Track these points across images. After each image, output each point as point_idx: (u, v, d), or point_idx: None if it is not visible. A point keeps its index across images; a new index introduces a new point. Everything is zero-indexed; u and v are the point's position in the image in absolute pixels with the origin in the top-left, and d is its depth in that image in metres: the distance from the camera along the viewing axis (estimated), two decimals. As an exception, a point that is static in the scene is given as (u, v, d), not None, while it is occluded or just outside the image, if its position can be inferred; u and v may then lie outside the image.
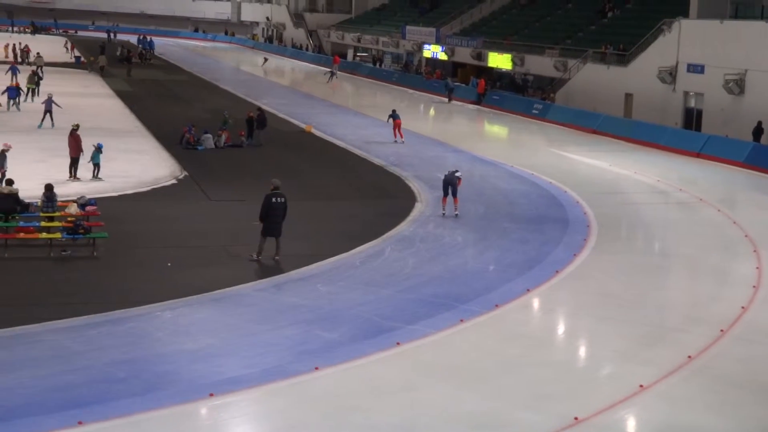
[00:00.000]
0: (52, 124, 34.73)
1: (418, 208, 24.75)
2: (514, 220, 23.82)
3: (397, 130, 36.68)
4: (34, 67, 50.12)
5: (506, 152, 35.87)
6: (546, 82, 51.21)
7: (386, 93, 59.60)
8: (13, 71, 46.54)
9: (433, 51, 63.12)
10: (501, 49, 55.56)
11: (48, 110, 35.24)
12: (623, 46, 45.23)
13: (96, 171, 26.12)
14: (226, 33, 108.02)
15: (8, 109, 38.83)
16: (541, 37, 54.70)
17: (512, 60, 53.35)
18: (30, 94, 42.32)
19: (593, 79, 45.95)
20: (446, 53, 61.22)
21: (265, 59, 78.01)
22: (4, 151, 24.19)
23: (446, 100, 54.19)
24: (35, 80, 43.87)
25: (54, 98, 35.76)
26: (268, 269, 18.47)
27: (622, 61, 44.63)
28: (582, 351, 15.28)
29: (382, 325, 15.25)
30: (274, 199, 19.06)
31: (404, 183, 28.32)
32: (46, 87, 43.57)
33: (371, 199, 26.26)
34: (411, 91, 59.46)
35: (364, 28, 77.38)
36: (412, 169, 30.30)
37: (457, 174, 24.19)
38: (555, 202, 26.42)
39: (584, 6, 56.79)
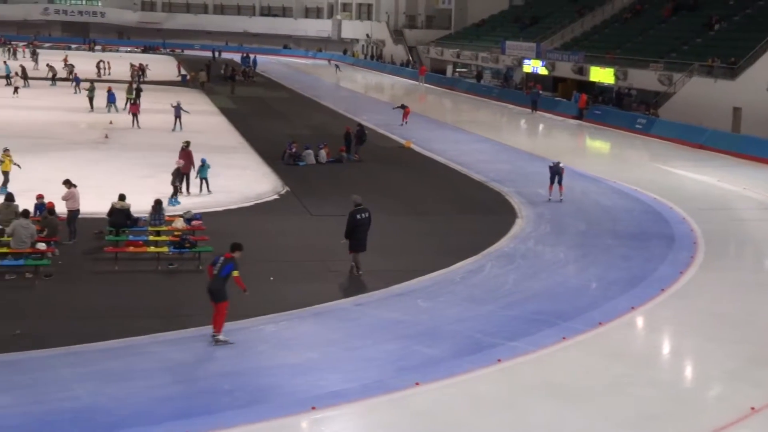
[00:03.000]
0: (181, 128, 40.20)
1: (518, 224, 24.54)
2: (617, 237, 23.39)
3: (404, 117, 46.52)
4: (132, 79, 56.13)
5: (608, 167, 35.29)
6: (650, 96, 50.20)
7: (486, 108, 59.39)
8: (76, 81, 53.62)
9: (533, 66, 62.54)
10: (603, 63, 54.73)
11: (177, 116, 40.82)
12: (733, 59, 43.97)
13: (206, 185, 26.76)
14: (319, 50, 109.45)
15: (108, 111, 44.65)
16: (644, 50, 53.64)
17: (615, 74, 52.51)
18: (127, 102, 45.61)
19: (699, 92, 44.80)
20: (547, 68, 60.63)
21: (337, 68, 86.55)
22: (178, 168, 25.57)
23: (530, 111, 55.12)
24: (133, 91, 47.30)
25: (182, 105, 41.43)
26: (368, 284, 18.56)
27: (730, 75, 43.42)
28: (689, 371, 14.89)
29: (483, 342, 15.17)
30: (358, 216, 19.19)
31: (505, 199, 28.11)
32: (155, 104, 45.21)
33: (471, 214, 26.13)
34: (511, 106, 59.07)
35: (464, 44, 77.27)
36: (513, 185, 30.07)
37: (561, 165, 27.80)
38: (660, 219, 25.84)
39: (689, 19, 55.52)
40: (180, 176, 25.88)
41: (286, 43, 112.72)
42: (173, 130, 40.30)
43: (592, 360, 14.77)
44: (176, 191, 25.67)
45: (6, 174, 25.54)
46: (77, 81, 54.39)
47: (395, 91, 71.66)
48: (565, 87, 59.38)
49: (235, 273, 14.86)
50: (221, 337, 14.78)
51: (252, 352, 14.54)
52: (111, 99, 45.62)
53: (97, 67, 66.85)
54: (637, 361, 14.80)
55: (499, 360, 14.33)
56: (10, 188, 23.83)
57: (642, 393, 13.35)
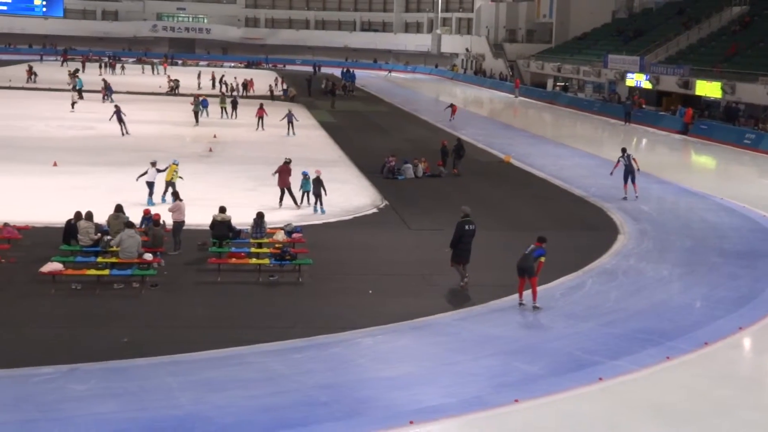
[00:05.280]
0: (294, 133, 44.79)
1: (620, 241, 24.07)
2: (723, 255, 22.71)
3: (452, 114, 54.29)
4: (224, 90, 62.14)
5: (715, 184, 34.34)
6: (759, 110, 48.69)
7: (586, 122, 58.60)
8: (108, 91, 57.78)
9: (637, 80, 61.38)
10: (710, 76, 53.36)
11: (290, 121, 45.05)
12: None
13: (307, 198, 27.13)
14: (406, 63, 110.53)
15: (200, 115, 48.62)
16: (754, 64, 52.11)
17: (722, 88, 51.10)
18: (222, 112, 51.27)
19: (811, 106, 43.24)
20: (650, 82, 59.44)
21: (389, 72, 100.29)
22: (318, 177, 26.55)
23: (623, 122, 56.25)
24: (226, 101, 52.31)
25: (293, 112, 46.42)
26: (467, 299, 18.45)
27: None
28: (800, 396, 14.32)
29: (584, 360, 14.90)
30: (466, 226, 19.14)
31: (606, 215, 27.62)
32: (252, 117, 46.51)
33: (572, 230, 25.73)
34: (613, 120, 58.14)
35: (565, 58, 76.46)
36: (615, 201, 29.52)
37: (633, 157, 29.58)
38: (769, 237, 25.02)
39: (801, 30, 53.72)
40: (320, 183, 26.62)
41: (375, 57, 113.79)
42: (287, 135, 44.59)
43: (697, 381, 14.36)
44: (320, 199, 26.57)
45: (169, 184, 26.71)
46: (110, 91, 57.84)
47: (493, 105, 71.37)
48: (669, 101, 58.15)
49: (542, 259, 17.67)
50: (538, 304, 17.64)
51: (350, 365, 14.59)
52: (204, 104, 50.00)
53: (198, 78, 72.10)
54: (744, 384, 14.34)
55: (600, 378, 14.06)
56: (120, 199, 24.54)
57: (749, 416, 12.92)
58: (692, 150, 46.43)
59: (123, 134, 41.64)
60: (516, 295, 18.16)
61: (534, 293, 17.81)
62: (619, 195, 30.25)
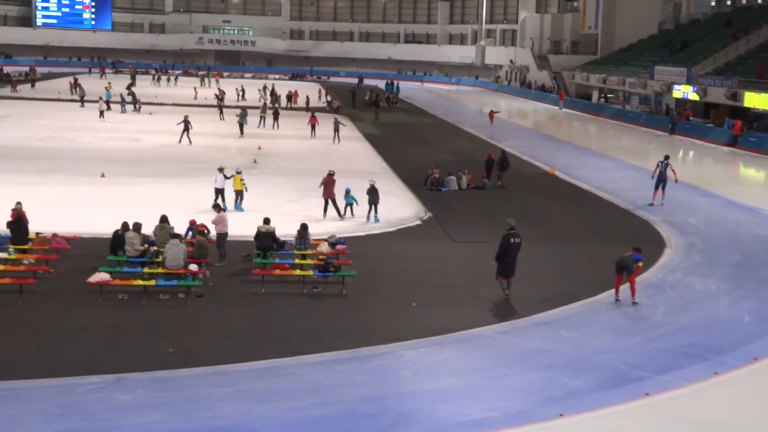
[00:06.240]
0: (339, 141, 46.51)
1: (667, 254, 23.79)
2: (773, 269, 22.36)
3: (491, 119, 57.61)
4: (265, 99, 64.18)
5: (764, 197, 33.86)
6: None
7: (632, 135, 58.09)
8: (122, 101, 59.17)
9: (684, 91, 60.67)
10: (758, 88, 52.60)
11: (336, 129, 46.93)
12: None
13: (350, 210, 27.23)
14: (446, 74, 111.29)
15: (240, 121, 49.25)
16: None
17: (771, 99, 50.36)
18: (260, 122, 52.61)
19: None
20: (698, 93, 58.74)
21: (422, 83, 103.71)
22: (373, 186, 27.17)
23: (667, 134, 56.56)
24: (265, 110, 54.10)
25: (340, 119, 49.10)
26: (511, 312, 18.35)
27: None
28: None
29: (630, 374, 14.75)
30: (511, 239, 19.06)
31: (653, 228, 27.29)
32: (302, 130, 46.68)
33: (617, 243, 25.28)
34: (659, 133, 57.56)
35: (610, 69, 75.88)
36: (661, 214, 29.18)
37: (672, 167, 30.43)
38: (820, 251, 24.55)
39: None
40: (376, 194, 27.13)
41: (415, 69, 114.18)
42: (333, 142, 46.23)
43: (746, 397, 14.15)
44: (375, 207, 27.10)
45: (238, 193, 27.80)
46: (123, 102, 58.96)
47: (537, 117, 71.04)
48: (717, 113, 57.41)
49: (640, 263, 18.98)
50: (636, 299, 18.85)
51: (393, 377, 14.57)
52: (245, 113, 50.58)
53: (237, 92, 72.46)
54: (796, 401, 14.07)
55: (647, 394, 13.90)
56: (167, 210, 24.77)
57: (802, 435, 12.68)
58: (741, 162, 45.77)
59: (190, 143, 43.30)
60: (612, 291, 19.31)
61: (633, 290, 18.91)
62: (667, 208, 29.96)
